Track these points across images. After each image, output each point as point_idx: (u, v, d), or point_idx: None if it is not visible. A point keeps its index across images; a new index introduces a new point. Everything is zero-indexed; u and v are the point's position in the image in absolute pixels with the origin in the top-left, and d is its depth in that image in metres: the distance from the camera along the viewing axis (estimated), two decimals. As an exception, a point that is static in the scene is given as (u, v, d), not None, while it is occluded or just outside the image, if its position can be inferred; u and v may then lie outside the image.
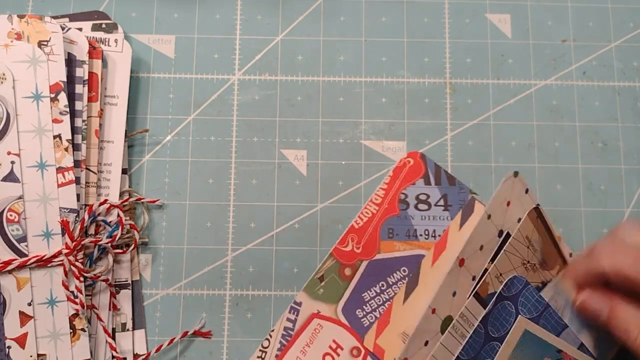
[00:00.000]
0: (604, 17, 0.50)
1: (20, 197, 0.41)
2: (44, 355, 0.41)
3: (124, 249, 0.43)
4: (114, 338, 0.43)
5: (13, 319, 0.40)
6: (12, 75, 0.42)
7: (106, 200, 0.43)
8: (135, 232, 0.44)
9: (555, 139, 0.48)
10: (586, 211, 0.47)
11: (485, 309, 0.39)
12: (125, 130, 0.45)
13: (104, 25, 0.47)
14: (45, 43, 0.43)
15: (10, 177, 0.41)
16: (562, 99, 0.48)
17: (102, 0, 0.48)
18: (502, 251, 0.40)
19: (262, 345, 0.43)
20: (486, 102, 0.48)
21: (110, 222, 0.43)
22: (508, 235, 0.40)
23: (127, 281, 0.44)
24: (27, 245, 0.41)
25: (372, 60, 0.49)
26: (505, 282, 0.39)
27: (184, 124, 0.47)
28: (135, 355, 0.43)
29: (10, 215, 0.41)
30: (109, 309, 0.43)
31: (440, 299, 0.39)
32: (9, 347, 0.40)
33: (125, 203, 0.44)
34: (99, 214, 0.43)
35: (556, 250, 0.42)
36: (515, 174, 0.40)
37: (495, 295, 0.39)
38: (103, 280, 0.42)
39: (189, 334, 0.43)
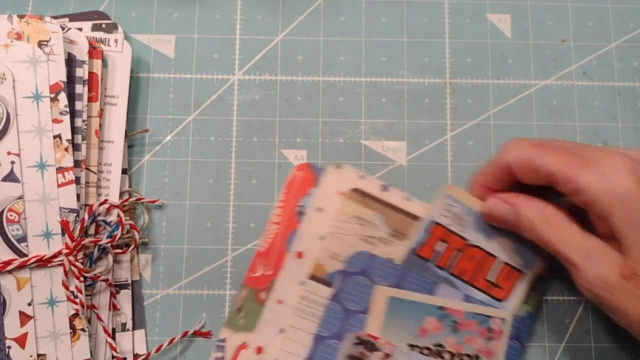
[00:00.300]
0: (604, 17, 0.50)
1: (20, 197, 0.41)
2: (44, 355, 0.41)
3: (124, 249, 0.43)
4: (114, 338, 0.43)
5: (13, 319, 0.40)
6: (12, 75, 0.42)
7: (106, 200, 0.43)
8: (135, 232, 0.44)
9: (555, 139, 0.48)
10: (586, 211, 0.47)
11: (331, 287, 0.41)
12: (125, 130, 0.45)
13: (104, 25, 0.47)
14: (45, 43, 0.43)
15: (10, 177, 0.41)
16: (562, 99, 0.48)
17: (102, 0, 0.48)
18: (327, 234, 0.42)
19: None
20: (486, 102, 0.48)
21: (110, 222, 0.43)
22: None
23: (127, 281, 0.44)
24: (27, 245, 0.41)
25: (372, 60, 0.49)
26: (346, 259, 0.42)
27: (184, 124, 0.47)
28: (135, 355, 0.43)
29: (10, 215, 0.41)
30: (109, 309, 0.43)
31: (283, 290, 0.42)
32: (9, 347, 0.40)
33: (125, 203, 0.44)
34: (99, 214, 0.43)
35: (411, 219, 0.43)
36: (338, 165, 0.43)
37: (340, 273, 0.41)
38: (103, 280, 0.42)
39: (189, 334, 0.43)
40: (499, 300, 0.42)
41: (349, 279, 0.41)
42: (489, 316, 0.42)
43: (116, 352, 0.42)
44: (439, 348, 0.41)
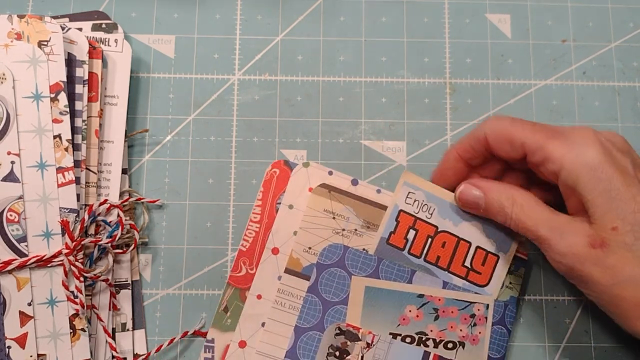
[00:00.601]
0: (604, 17, 0.50)
1: (20, 197, 0.41)
2: (44, 355, 0.41)
3: (124, 249, 0.43)
4: (114, 338, 0.43)
5: (13, 319, 0.40)
6: (12, 75, 0.42)
7: (106, 200, 0.43)
8: (135, 232, 0.44)
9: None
10: (586, 211, 0.47)
11: (308, 280, 0.42)
12: (125, 130, 0.45)
13: (104, 25, 0.47)
14: (45, 43, 0.43)
15: (10, 177, 0.41)
16: (562, 99, 0.48)
17: (102, 0, 0.48)
18: (299, 229, 0.43)
19: None
20: (486, 102, 0.48)
21: (110, 222, 0.43)
22: None
23: (127, 281, 0.44)
24: (27, 245, 0.41)
25: (372, 60, 0.49)
26: (320, 252, 0.42)
27: (184, 124, 0.47)
28: (135, 355, 0.43)
29: (10, 215, 0.41)
30: (109, 309, 0.43)
31: (260, 285, 0.42)
32: (9, 347, 0.40)
33: (125, 203, 0.44)
34: (99, 214, 0.43)
35: (380, 209, 0.43)
36: (306, 164, 0.44)
37: (315, 266, 0.42)
38: (103, 280, 0.42)
39: (188, 334, 0.43)
40: (480, 285, 0.43)
41: (324, 271, 0.42)
42: (470, 302, 0.42)
43: (116, 352, 0.42)
44: (421, 336, 0.41)
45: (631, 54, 0.49)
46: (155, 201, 0.45)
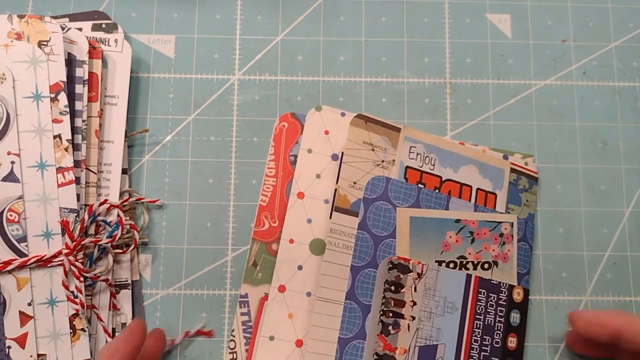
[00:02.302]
0: (604, 17, 0.50)
1: (20, 197, 0.41)
2: (44, 355, 0.41)
3: (124, 249, 0.43)
4: (114, 338, 0.43)
5: (13, 319, 0.40)
6: (12, 75, 0.42)
7: (106, 200, 0.43)
8: (135, 232, 0.44)
9: (555, 139, 0.48)
10: (586, 211, 0.47)
11: (357, 217, 0.42)
12: (125, 130, 0.45)
13: (104, 25, 0.47)
14: (45, 43, 0.43)
15: (10, 177, 0.41)
16: (562, 99, 0.48)
17: (102, 0, 0.48)
18: (341, 164, 0.43)
19: (229, 347, 0.43)
20: (486, 102, 0.48)
21: (110, 222, 0.43)
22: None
23: (127, 281, 0.44)
24: (27, 245, 0.41)
25: (372, 60, 0.49)
26: (364, 186, 0.43)
27: (184, 124, 0.47)
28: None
29: (10, 215, 0.41)
30: (109, 309, 0.43)
31: (291, 230, 0.43)
32: (9, 347, 0.40)
33: (125, 203, 0.44)
34: (99, 214, 0.43)
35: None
36: (318, 108, 0.45)
37: (362, 201, 0.42)
38: (103, 280, 0.42)
39: (190, 334, 0.43)
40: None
41: (371, 205, 0.42)
42: (499, 222, 0.44)
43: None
44: (462, 260, 0.43)
45: (631, 54, 0.49)
46: (155, 201, 0.45)
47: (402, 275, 0.42)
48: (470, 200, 0.45)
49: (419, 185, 0.44)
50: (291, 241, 0.43)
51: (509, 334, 0.43)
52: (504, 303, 0.44)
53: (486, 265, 0.44)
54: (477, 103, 0.48)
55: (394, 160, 0.44)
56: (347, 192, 0.43)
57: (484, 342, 0.43)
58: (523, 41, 0.49)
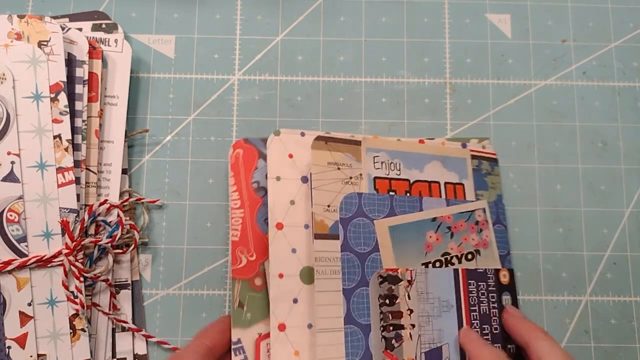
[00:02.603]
0: (604, 17, 0.50)
1: (20, 197, 0.41)
2: (44, 355, 0.41)
3: (124, 249, 0.43)
4: (114, 338, 0.43)
5: (13, 319, 0.40)
6: (12, 75, 0.42)
7: (106, 200, 0.43)
8: (135, 232, 0.44)
9: (555, 139, 0.48)
10: (586, 211, 0.47)
11: (338, 239, 0.41)
12: (125, 130, 0.45)
13: (104, 25, 0.47)
14: (45, 43, 0.43)
15: (10, 177, 0.41)
16: (562, 99, 0.48)
17: (102, 0, 0.48)
18: (311, 190, 0.42)
19: None
20: (486, 102, 0.48)
21: (110, 222, 0.43)
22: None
23: (127, 281, 0.44)
24: (27, 245, 0.41)
25: (372, 60, 0.49)
26: (338, 207, 0.42)
27: (184, 124, 0.47)
28: (135, 356, 0.43)
29: (10, 215, 0.41)
30: (109, 309, 0.43)
31: (278, 264, 0.41)
32: (9, 347, 0.40)
33: (125, 203, 0.44)
34: (99, 214, 0.43)
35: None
36: (277, 132, 0.43)
37: (339, 222, 0.41)
38: (103, 280, 0.42)
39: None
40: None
41: (349, 225, 0.42)
42: (472, 211, 0.45)
43: (140, 331, 0.42)
44: (446, 256, 0.43)
45: (631, 54, 0.49)
46: (155, 201, 0.45)
47: (393, 287, 0.41)
48: (441, 196, 0.45)
49: (390, 193, 0.44)
50: (280, 275, 0.41)
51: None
52: (494, 288, 0.44)
53: (469, 256, 0.44)
54: (477, 103, 0.48)
55: (361, 175, 0.43)
56: (324, 217, 0.41)
57: (484, 331, 0.43)
58: (523, 41, 0.49)
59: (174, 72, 0.48)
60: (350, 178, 0.43)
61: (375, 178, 0.44)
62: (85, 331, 0.41)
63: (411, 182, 0.44)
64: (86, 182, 0.43)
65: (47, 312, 0.41)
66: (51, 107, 0.42)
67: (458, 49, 0.49)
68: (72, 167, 0.42)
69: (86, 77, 0.44)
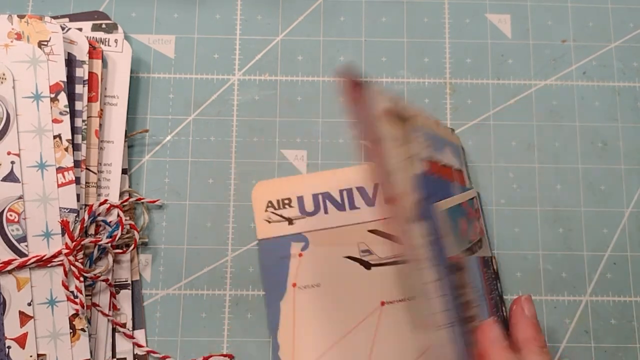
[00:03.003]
0: (604, 17, 0.50)
1: (20, 197, 0.41)
2: (44, 355, 0.41)
3: (124, 249, 0.43)
4: (113, 338, 0.43)
5: (13, 319, 0.40)
6: (12, 75, 0.42)
7: (106, 200, 0.43)
8: (135, 232, 0.44)
9: (555, 139, 0.48)
10: (586, 211, 0.47)
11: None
12: (125, 130, 0.45)
13: (104, 25, 0.47)
14: (45, 43, 0.43)
15: (10, 177, 0.41)
16: (562, 99, 0.48)
17: (102, 0, 0.48)
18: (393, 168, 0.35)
19: None
20: (486, 102, 0.48)
21: (110, 222, 0.43)
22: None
23: (127, 281, 0.44)
24: (27, 245, 0.41)
25: (372, 60, 0.49)
26: (414, 186, 0.35)
27: (184, 124, 0.47)
28: (135, 356, 0.43)
29: (10, 215, 0.41)
30: (109, 309, 0.43)
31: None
32: (9, 347, 0.40)
33: (125, 203, 0.44)
34: (99, 214, 0.43)
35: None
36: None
37: (421, 201, 0.35)
38: (103, 280, 0.42)
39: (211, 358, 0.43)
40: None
41: (424, 205, 0.36)
42: (472, 198, 0.44)
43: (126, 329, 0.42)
44: (469, 244, 0.42)
45: (631, 54, 0.49)
46: (155, 201, 0.45)
47: (458, 275, 0.37)
48: (454, 182, 0.43)
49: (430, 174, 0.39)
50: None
51: (502, 305, 0.44)
52: (494, 276, 0.44)
53: (479, 244, 0.43)
54: (477, 103, 0.48)
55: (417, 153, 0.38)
56: (410, 199, 0.35)
57: (497, 320, 0.41)
58: (523, 41, 0.49)
59: (174, 72, 0.48)
60: (413, 155, 0.37)
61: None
62: (85, 331, 0.41)
63: (440, 164, 0.41)
64: (86, 182, 0.43)
65: (47, 312, 0.41)
66: (51, 107, 0.42)
67: (458, 49, 0.49)
68: (72, 167, 0.42)
69: (86, 77, 0.44)
